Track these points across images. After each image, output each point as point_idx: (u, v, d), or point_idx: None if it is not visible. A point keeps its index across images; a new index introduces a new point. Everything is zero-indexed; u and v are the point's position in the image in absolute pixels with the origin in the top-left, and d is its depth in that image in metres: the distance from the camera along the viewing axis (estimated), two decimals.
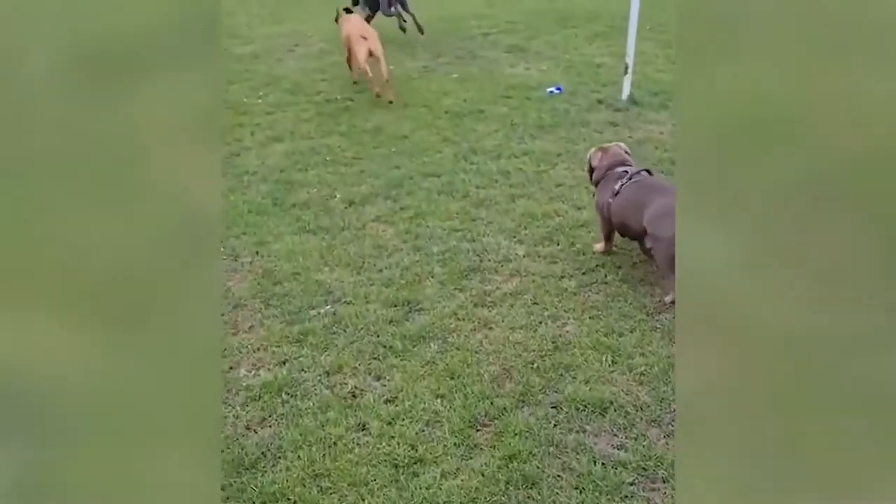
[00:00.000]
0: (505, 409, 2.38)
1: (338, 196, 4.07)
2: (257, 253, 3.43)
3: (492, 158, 4.58)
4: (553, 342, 2.71)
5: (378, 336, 2.74)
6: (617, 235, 3.25)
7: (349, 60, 6.31)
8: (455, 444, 2.25)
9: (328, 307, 2.93)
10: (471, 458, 2.20)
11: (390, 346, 2.67)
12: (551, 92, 5.97)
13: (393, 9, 7.91)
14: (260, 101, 6.16)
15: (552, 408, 2.39)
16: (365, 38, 5.95)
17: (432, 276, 3.17)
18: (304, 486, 2.12)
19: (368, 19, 7.72)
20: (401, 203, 3.93)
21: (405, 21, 8.24)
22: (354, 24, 6.35)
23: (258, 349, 2.70)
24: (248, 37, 9.14)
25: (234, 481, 2.15)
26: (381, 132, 5.20)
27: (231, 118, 5.66)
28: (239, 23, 10.26)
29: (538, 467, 2.16)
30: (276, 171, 4.47)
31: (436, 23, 9.63)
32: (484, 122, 5.35)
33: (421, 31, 8.21)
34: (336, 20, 6.87)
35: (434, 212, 3.80)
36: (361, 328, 2.79)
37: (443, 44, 8.31)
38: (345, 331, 2.78)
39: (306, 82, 6.72)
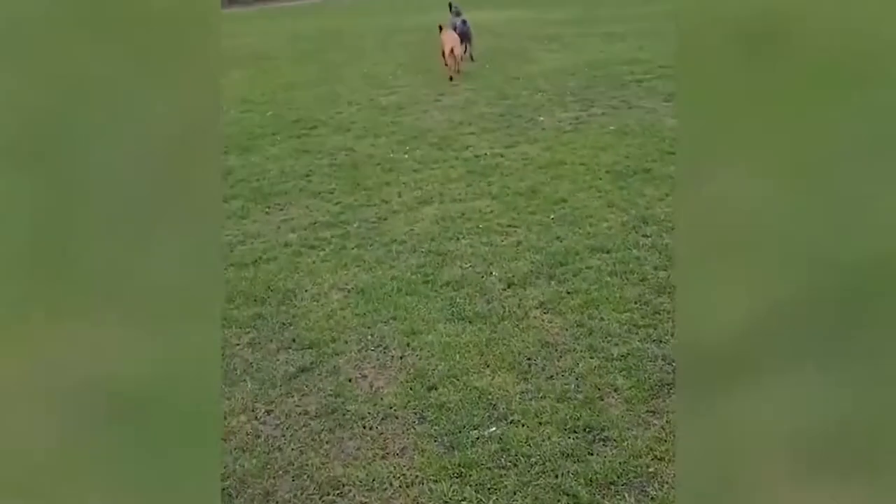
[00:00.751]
0: None
1: (494, 274, 3.59)
2: (408, 345, 3.00)
3: (667, 230, 3.96)
4: None
5: (556, 476, 2.20)
6: None
7: (444, 56, 9.43)
8: None
9: (493, 429, 2.43)
10: None
11: (573, 495, 2.12)
12: None
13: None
14: (406, 156, 5.87)
15: None
16: (452, 45, 9.25)
17: (615, 391, 2.59)
18: None
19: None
20: (567, 286, 3.40)
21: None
22: (449, 35, 9.50)
23: (412, 483, 2.23)
24: (393, 86, 9.04)
25: None
26: (535, 194, 4.72)
27: (378, 175, 5.39)
28: (384, 72, 10.24)
29: None
30: (426, 240, 4.08)
31: (583, 69, 9.12)
32: (652, 183, 4.73)
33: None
34: (439, 31, 9.83)
35: (607, 299, 3.24)
36: (535, 462, 2.26)
37: (594, 92, 7.77)
38: (515, 465, 2.26)
39: (453, 136, 6.39)
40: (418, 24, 17.41)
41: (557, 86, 8.25)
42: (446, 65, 9.34)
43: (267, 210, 4.84)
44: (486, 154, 5.73)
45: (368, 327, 3.16)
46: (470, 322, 3.15)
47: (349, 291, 3.53)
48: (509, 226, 4.22)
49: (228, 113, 7.88)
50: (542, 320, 3.13)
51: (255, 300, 3.50)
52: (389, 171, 5.50)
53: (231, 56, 12.56)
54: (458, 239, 4.08)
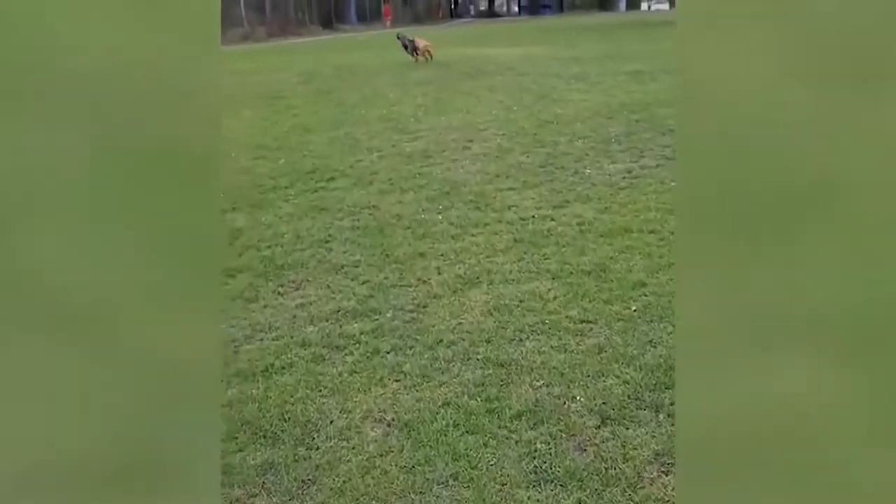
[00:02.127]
0: None
1: (578, 399, 2.70)
2: None
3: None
4: None
5: None
6: None
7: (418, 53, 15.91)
8: None
9: None
10: None
11: None
12: None
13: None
14: (440, 217, 5.01)
15: None
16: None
17: None
18: None
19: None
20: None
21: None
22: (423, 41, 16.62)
23: None
24: (416, 130, 8.22)
25: None
26: (605, 273, 3.83)
27: (409, 242, 4.52)
28: (404, 113, 9.46)
29: None
30: (481, 341, 3.19)
31: (621, 112, 8.30)
32: None
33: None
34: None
35: None
36: None
37: (639, 140, 6.92)
38: None
39: (491, 191, 5.54)
40: (434, 60, 16.76)
41: (597, 131, 7.43)
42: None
43: (280, 290, 3.97)
44: (532, 217, 4.87)
45: (421, 492, 2.26)
46: (562, 486, 2.24)
47: (389, 425, 2.63)
48: (582, 321, 3.33)
49: (237, 161, 7.06)
50: (663, 487, 2.22)
51: (264, 437, 2.60)
52: (422, 237, 4.64)
53: (242, 95, 11.83)
54: (520, 340, 3.19)
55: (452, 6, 58.02)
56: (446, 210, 5.17)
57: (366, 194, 5.74)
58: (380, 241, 4.61)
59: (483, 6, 61.72)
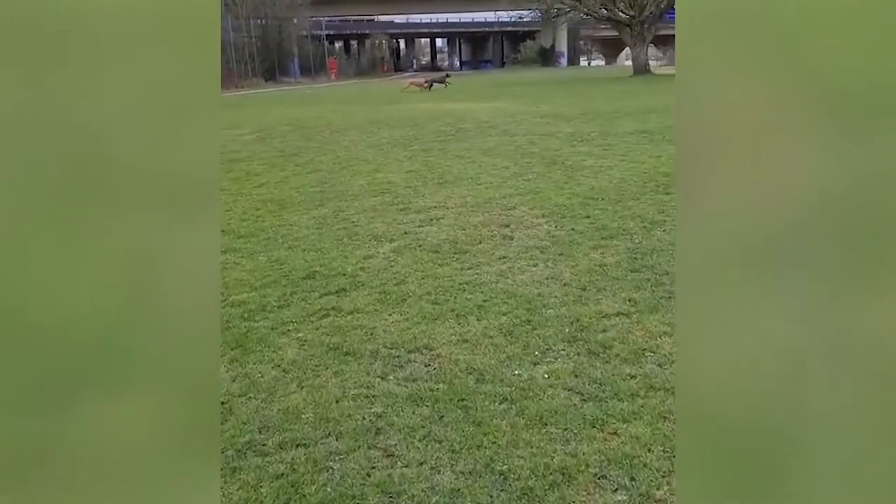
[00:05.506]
0: None
1: None
2: None
3: None
4: None
5: None
6: None
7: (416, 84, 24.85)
8: None
9: None
10: None
11: None
12: None
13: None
14: (546, 373, 3.14)
15: None
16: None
17: None
18: None
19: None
20: None
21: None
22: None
23: None
24: (423, 208, 6.29)
25: None
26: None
27: (522, 437, 2.61)
28: (395, 182, 7.51)
29: None
30: None
31: (660, 185, 6.54)
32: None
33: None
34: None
35: None
36: None
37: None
38: None
39: (589, 317, 3.71)
40: (419, 112, 15.10)
41: (651, 212, 5.75)
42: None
43: None
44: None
45: None
46: None
47: None
48: None
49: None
50: None
51: None
52: (538, 422, 2.76)
53: None
54: None
55: (395, 60, 57.07)
56: (544, 356, 3.30)
57: (404, 321, 3.81)
58: (472, 435, 2.67)
59: (425, 60, 61.07)
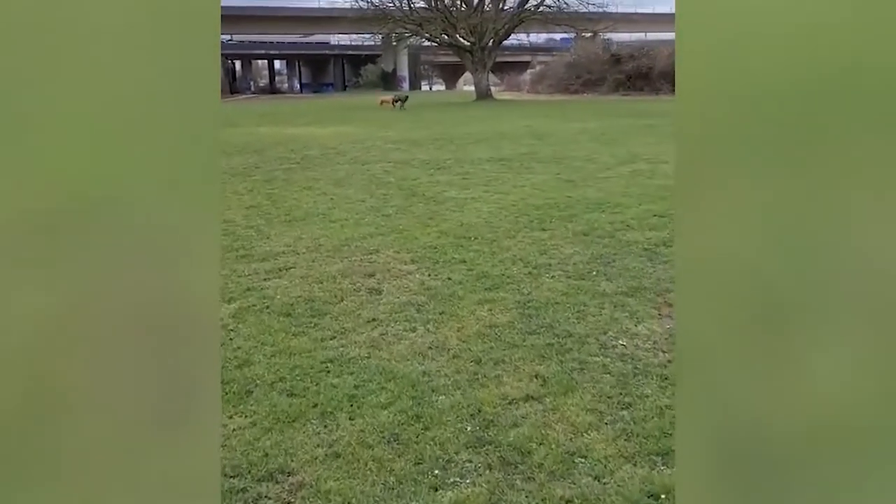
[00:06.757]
0: None
1: None
2: None
3: None
4: None
5: None
6: None
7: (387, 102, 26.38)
8: None
9: None
10: None
11: None
12: None
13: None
14: None
15: None
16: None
17: None
18: None
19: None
20: None
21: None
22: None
23: None
24: (269, 254, 5.19)
25: None
26: None
27: None
28: (234, 221, 6.34)
29: None
30: None
31: (552, 218, 5.77)
32: None
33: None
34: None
35: None
36: None
37: (616, 270, 4.70)
38: None
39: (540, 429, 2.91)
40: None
41: (551, 254, 5.16)
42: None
43: None
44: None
45: None
46: None
47: None
48: None
49: None
50: None
51: None
52: None
53: None
54: None
55: (231, 82, 54.18)
56: (446, 473, 2.45)
57: (250, 427, 2.79)
58: None
59: (263, 83, 58.64)
